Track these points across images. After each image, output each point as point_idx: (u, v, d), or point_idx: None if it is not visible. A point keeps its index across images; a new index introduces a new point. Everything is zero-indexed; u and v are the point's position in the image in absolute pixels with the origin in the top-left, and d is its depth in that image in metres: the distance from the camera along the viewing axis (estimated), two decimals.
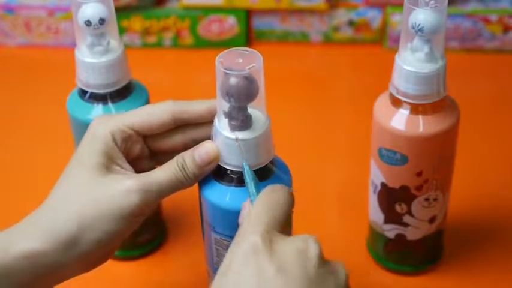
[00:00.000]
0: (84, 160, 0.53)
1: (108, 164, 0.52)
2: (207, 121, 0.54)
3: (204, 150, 0.52)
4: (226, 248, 0.54)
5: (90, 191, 0.51)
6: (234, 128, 0.51)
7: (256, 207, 0.47)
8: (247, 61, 0.49)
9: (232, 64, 0.49)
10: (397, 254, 0.68)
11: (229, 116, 0.51)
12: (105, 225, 0.51)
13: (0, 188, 0.80)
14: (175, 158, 0.53)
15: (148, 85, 0.67)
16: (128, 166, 0.54)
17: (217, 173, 0.53)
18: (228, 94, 0.49)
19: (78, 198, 0.51)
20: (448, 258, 0.70)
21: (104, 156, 0.52)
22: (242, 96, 0.50)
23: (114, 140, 0.53)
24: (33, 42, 0.99)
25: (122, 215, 0.51)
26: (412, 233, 0.66)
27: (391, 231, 0.66)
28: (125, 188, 0.51)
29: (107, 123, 0.54)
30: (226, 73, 0.49)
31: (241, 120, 0.50)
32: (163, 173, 0.52)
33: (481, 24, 0.94)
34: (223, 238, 0.54)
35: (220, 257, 0.55)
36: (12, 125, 0.88)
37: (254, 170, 0.52)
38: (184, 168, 0.52)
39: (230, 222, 0.52)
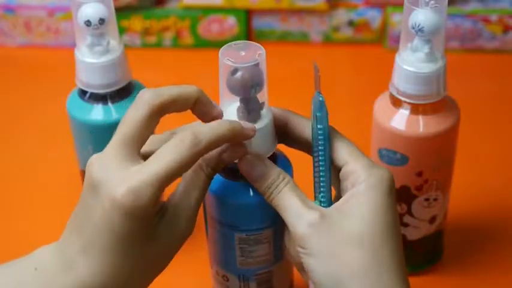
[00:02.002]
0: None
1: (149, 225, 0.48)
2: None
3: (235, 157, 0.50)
4: (254, 242, 0.54)
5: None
6: (252, 119, 0.51)
7: (351, 145, 0.51)
8: (247, 52, 0.50)
9: (237, 58, 0.49)
10: None
11: (246, 109, 0.51)
12: None
13: (0, 187, 0.80)
14: (202, 169, 0.50)
15: (148, 85, 0.67)
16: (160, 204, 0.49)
17: (226, 170, 0.53)
18: (248, 86, 0.49)
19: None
20: (448, 258, 0.70)
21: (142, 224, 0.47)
22: (259, 84, 0.50)
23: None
24: (33, 42, 0.99)
25: None
26: (412, 233, 0.66)
27: None
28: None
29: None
30: (243, 67, 0.49)
31: (257, 108, 0.51)
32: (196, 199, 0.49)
33: (481, 24, 0.94)
34: (249, 234, 0.54)
35: (247, 254, 0.55)
36: (12, 125, 0.88)
37: None
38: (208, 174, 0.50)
39: (258, 214, 0.52)
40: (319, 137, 0.50)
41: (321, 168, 0.50)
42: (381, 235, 0.48)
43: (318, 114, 0.50)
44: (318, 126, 0.50)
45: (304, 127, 0.52)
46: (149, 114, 0.47)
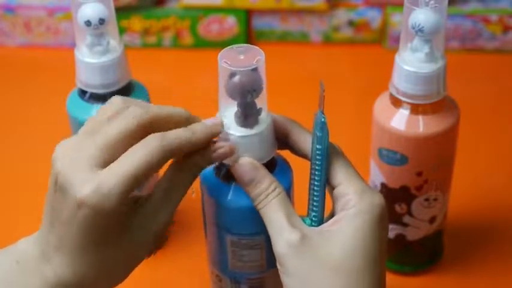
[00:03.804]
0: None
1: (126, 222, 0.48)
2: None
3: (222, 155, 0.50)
4: (245, 247, 0.54)
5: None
6: (248, 125, 0.51)
7: (349, 166, 0.50)
8: (246, 56, 0.50)
9: (236, 62, 0.49)
10: (397, 254, 0.68)
11: (243, 114, 0.50)
12: None
13: (0, 187, 0.80)
14: (186, 172, 0.49)
15: (148, 85, 0.67)
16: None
17: (224, 174, 0.53)
18: (245, 91, 0.49)
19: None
20: (448, 258, 0.70)
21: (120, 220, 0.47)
22: (256, 89, 0.50)
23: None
24: (33, 42, 0.99)
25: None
26: (412, 233, 0.66)
27: (391, 231, 0.66)
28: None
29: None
30: (240, 71, 0.49)
31: (255, 114, 0.51)
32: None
33: (481, 24, 0.94)
34: (241, 238, 0.54)
35: (238, 258, 0.55)
36: (12, 125, 0.88)
37: None
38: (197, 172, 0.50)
39: (249, 219, 0.52)
40: (317, 157, 0.49)
41: (315, 187, 0.50)
42: (360, 265, 0.46)
43: (318, 134, 0.49)
44: (317, 146, 0.49)
45: (305, 142, 0.51)
46: (136, 129, 0.46)
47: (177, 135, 0.47)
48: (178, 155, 0.48)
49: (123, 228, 0.47)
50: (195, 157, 0.49)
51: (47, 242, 0.48)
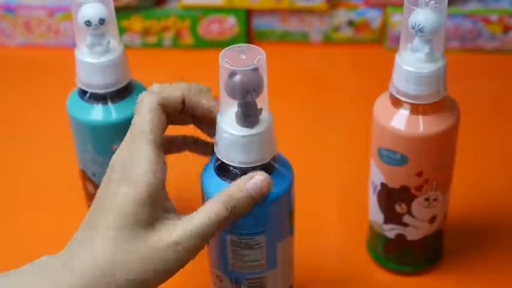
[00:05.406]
0: (125, 218, 0.48)
1: (154, 215, 0.49)
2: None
3: (257, 185, 0.50)
4: (246, 247, 0.54)
5: (139, 253, 0.48)
6: (249, 125, 0.51)
7: None
8: (247, 56, 0.50)
9: (237, 61, 0.49)
10: (397, 254, 0.68)
11: (244, 114, 0.50)
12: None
13: (0, 187, 0.80)
14: (219, 200, 0.50)
15: (148, 85, 0.67)
16: (169, 204, 0.51)
17: (225, 173, 0.53)
18: (245, 90, 0.49)
19: (129, 265, 0.48)
20: (448, 258, 0.70)
21: (148, 210, 0.49)
22: (257, 88, 0.50)
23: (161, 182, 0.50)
24: (33, 42, 0.99)
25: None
26: (412, 233, 0.66)
27: (391, 231, 0.66)
28: (172, 245, 0.49)
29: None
30: (240, 71, 0.49)
31: (255, 113, 0.51)
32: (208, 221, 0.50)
33: (481, 24, 0.94)
34: (241, 237, 0.54)
35: (238, 257, 0.55)
36: (12, 125, 0.88)
37: (257, 166, 0.52)
38: (235, 207, 0.50)
39: (250, 219, 0.52)
40: None
41: None
42: None
43: None
44: None
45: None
46: (156, 104, 0.52)
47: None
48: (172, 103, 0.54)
49: (151, 221, 0.48)
50: (229, 188, 0.50)
51: (74, 239, 0.49)
